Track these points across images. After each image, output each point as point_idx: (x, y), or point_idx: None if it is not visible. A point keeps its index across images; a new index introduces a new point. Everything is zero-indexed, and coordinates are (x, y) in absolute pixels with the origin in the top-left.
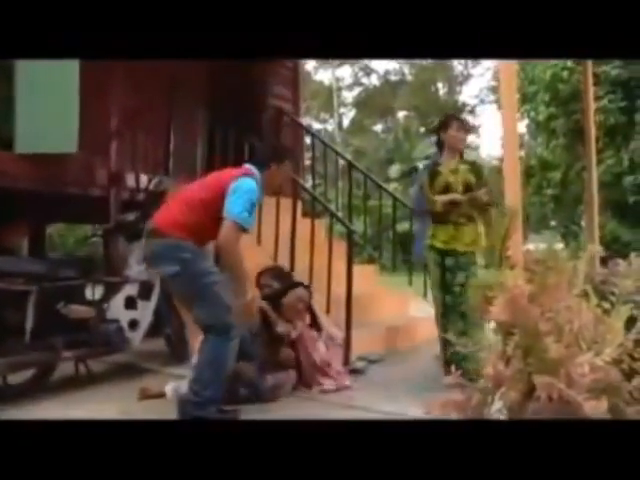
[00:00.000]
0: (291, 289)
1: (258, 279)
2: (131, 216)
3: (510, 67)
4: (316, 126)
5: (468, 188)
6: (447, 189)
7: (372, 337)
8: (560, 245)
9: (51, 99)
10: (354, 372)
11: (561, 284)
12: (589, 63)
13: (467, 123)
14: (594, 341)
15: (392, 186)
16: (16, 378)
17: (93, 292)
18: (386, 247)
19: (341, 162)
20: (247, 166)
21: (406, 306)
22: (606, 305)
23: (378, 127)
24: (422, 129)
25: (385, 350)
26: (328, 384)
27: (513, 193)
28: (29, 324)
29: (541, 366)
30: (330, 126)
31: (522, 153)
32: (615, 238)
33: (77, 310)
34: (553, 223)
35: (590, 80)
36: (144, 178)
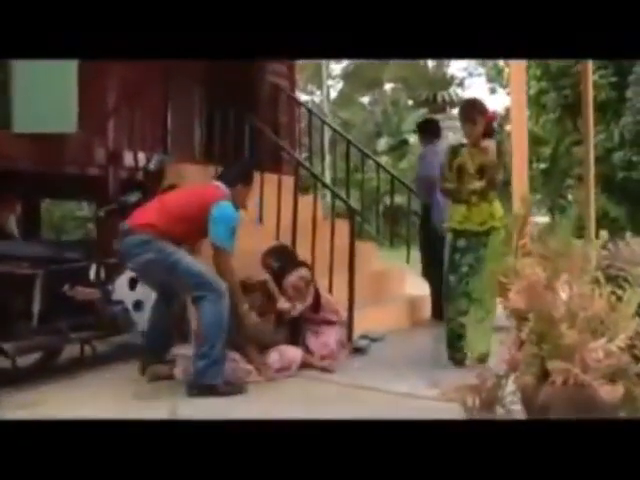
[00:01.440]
0: (294, 269)
1: (264, 259)
2: (133, 197)
3: (520, 65)
4: (304, 98)
5: (482, 169)
6: (460, 169)
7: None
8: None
9: (49, 78)
10: (357, 351)
11: (573, 271)
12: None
13: (472, 113)
14: (607, 327)
15: (383, 160)
16: (24, 361)
17: (97, 274)
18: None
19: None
20: (219, 185)
21: (405, 283)
22: (618, 292)
23: (366, 99)
24: (410, 102)
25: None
26: (324, 364)
27: (520, 181)
28: (36, 307)
29: (555, 352)
30: (317, 98)
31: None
32: (605, 214)
33: (83, 292)
34: (538, 196)
35: (590, 77)
36: (142, 156)
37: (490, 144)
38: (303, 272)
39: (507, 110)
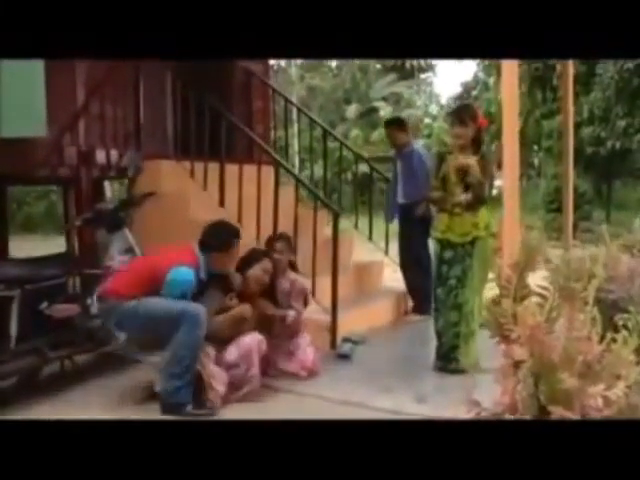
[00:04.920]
0: (257, 261)
1: (270, 244)
2: (110, 205)
3: (512, 66)
4: (270, 62)
5: (466, 177)
6: (445, 177)
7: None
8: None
9: (17, 83)
10: (341, 357)
11: (572, 312)
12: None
13: (464, 116)
14: (603, 368)
15: (354, 132)
16: (3, 382)
17: (74, 288)
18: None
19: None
20: (191, 248)
21: (383, 276)
22: (614, 335)
23: (334, 63)
24: (378, 66)
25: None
26: (293, 368)
27: (511, 196)
28: (13, 330)
29: (553, 395)
30: (284, 62)
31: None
32: (573, 189)
33: (61, 310)
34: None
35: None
36: (114, 153)
37: (476, 159)
38: (267, 264)
39: (476, 79)
